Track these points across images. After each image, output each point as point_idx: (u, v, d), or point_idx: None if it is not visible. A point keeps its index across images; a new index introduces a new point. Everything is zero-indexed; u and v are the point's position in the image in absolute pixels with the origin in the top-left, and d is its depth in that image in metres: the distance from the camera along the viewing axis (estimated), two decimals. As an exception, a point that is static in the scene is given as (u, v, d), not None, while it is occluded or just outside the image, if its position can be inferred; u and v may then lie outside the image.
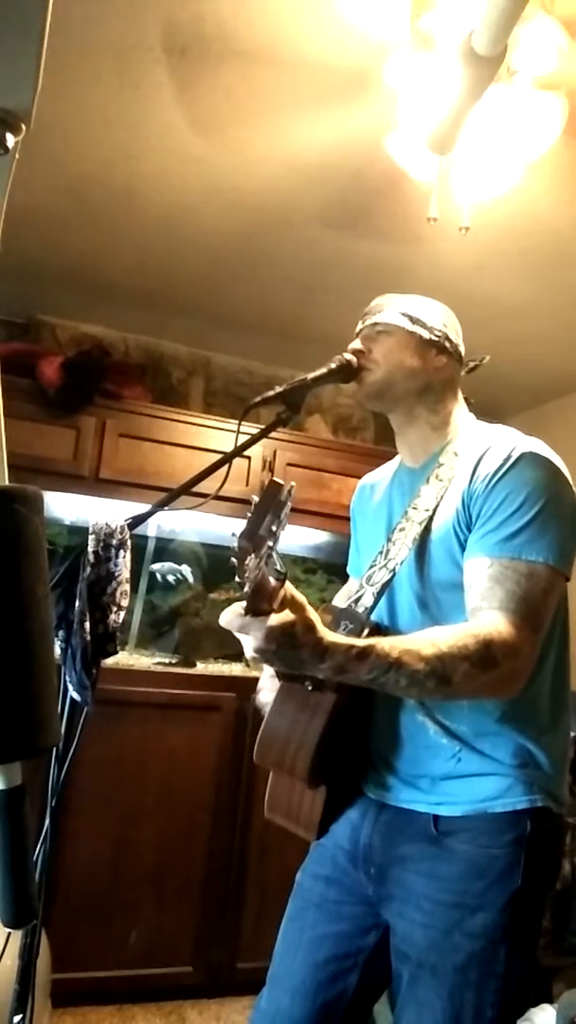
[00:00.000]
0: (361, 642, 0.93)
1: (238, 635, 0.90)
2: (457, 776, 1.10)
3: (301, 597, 0.91)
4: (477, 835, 1.07)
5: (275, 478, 0.88)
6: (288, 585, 0.90)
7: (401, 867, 1.12)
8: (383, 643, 0.94)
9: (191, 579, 2.99)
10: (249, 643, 0.89)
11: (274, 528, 0.85)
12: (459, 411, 1.26)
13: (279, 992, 1.20)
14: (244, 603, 0.88)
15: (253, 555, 0.85)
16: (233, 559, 0.87)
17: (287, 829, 1.18)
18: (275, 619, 0.87)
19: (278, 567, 0.87)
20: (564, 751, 1.16)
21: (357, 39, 1.45)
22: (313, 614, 0.92)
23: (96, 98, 1.70)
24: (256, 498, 0.88)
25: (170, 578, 2.96)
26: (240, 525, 0.88)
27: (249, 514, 0.88)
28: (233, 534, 0.88)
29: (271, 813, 1.18)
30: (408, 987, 1.08)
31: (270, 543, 0.85)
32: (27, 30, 0.67)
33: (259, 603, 0.87)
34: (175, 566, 2.99)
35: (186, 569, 2.99)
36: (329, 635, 0.92)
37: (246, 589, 0.86)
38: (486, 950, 1.04)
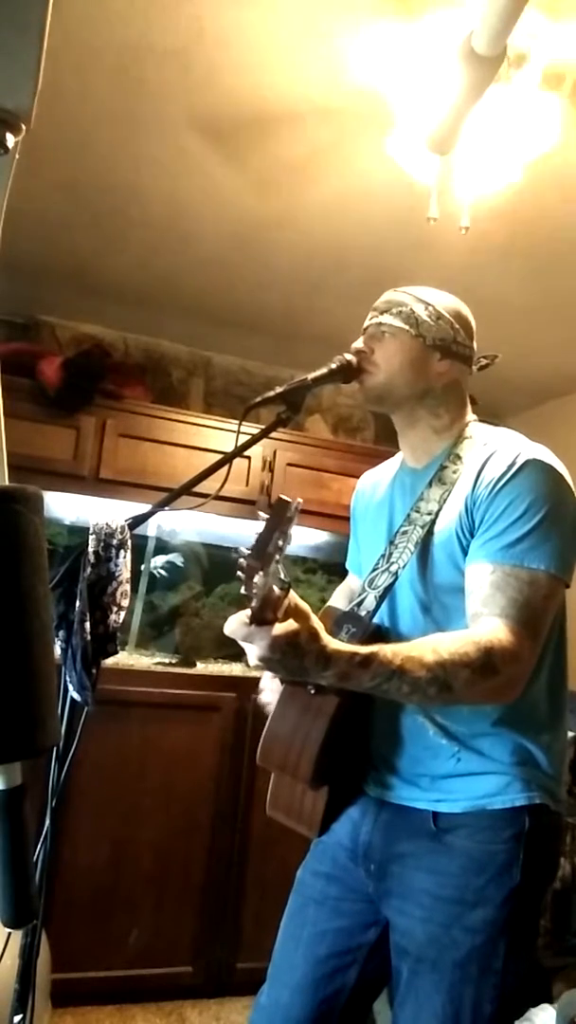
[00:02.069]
0: (364, 650, 0.93)
1: (242, 644, 0.90)
2: (457, 775, 1.10)
3: (305, 605, 0.92)
4: (476, 831, 1.08)
5: (282, 495, 0.88)
6: (292, 594, 0.90)
7: (401, 863, 1.13)
8: (385, 650, 0.94)
9: (181, 566, 3.00)
10: (253, 652, 0.89)
11: (280, 543, 0.86)
12: (465, 413, 1.25)
13: (279, 988, 1.21)
14: (248, 612, 0.88)
15: (261, 573, 0.85)
16: (240, 573, 0.87)
17: (288, 827, 1.18)
18: (279, 628, 0.87)
19: (282, 576, 0.87)
20: (562, 750, 1.17)
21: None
22: (317, 622, 0.92)
23: (96, 98, 1.70)
24: (264, 516, 0.88)
25: (163, 572, 2.96)
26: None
27: (257, 532, 0.88)
28: (237, 549, 0.87)
29: (273, 811, 1.18)
30: (407, 982, 1.09)
31: (277, 558, 0.85)
32: (27, 30, 0.68)
33: (264, 612, 0.87)
34: (166, 557, 3.00)
35: (178, 558, 2.99)
36: (332, 643, 0.93)
37: (253, 604, 0.87)
38: (485, 945, 1.04)
